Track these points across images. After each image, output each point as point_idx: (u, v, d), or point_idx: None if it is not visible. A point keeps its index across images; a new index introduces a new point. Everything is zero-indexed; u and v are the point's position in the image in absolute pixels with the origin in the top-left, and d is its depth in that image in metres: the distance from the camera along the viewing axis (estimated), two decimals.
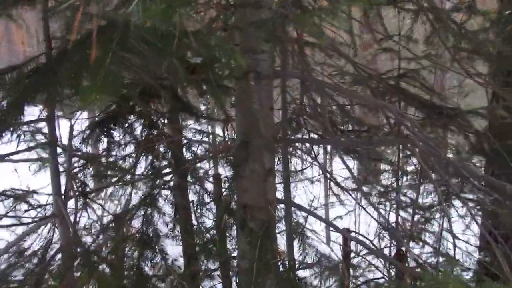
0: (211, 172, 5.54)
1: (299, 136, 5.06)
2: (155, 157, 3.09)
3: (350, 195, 4.50)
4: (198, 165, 4.96)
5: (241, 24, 2.24)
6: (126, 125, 2.76)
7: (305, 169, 4.71)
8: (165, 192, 3.94)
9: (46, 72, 1.42)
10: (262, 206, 2.52)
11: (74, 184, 2.65)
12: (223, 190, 3.82)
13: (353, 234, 4.99)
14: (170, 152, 4.08)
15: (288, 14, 2.01)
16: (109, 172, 2.94)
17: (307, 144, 5.31)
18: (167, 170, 4.13)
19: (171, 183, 4.11)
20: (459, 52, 2.93)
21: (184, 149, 5.06)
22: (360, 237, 4.86)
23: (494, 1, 4.50)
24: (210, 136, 5.61)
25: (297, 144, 5.43)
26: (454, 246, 2.84)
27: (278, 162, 3.45)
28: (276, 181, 3.36)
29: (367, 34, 5.95)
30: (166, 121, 3.40)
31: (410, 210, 4.56)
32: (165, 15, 1.20)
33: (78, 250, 2.49)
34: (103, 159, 2.91)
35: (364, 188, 4.83)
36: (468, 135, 3.34)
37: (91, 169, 2.76)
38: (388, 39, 3.67)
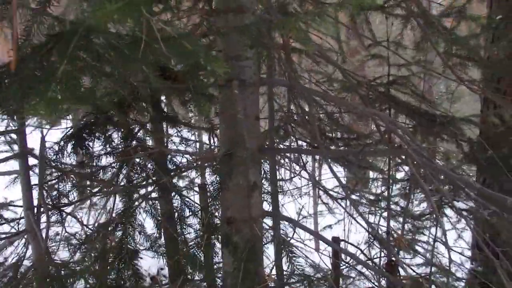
0: (198, 181, 5.41)
1: (287, 144, 4.97)
2: (131, 169, 2.94)
3: (339, 204, 4.41)
4: (184, 174, 4.82)
5: (223, 30, 2.11)
6: (103, 136, 2.61)
7: (293, 177, 4.58)
8: (145, 203, 3.78)
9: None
10: (247, 220, 2.38)
11: (48, 197, 2.48)
12: (209, 200, 3.68)
13: (343, 244, 4.90)
14: (152, 162, 3.94)
15: (272, 19, 1.89)
16: (88, 184, 2.78)
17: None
18: (150, 180, 4.00)
19: (154, 194, 3.96)
20: (451, 58, 2.84)
21: (168, 158, 4.93)
22: (350, 247, 4.77)
23: (482, 7, 4.45)
24: (197, 144, 5.47)
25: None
26: (450, 258, 2.74)
27: (265, 173, 3.32)
28: (264, 191, 3.23)
29: (354, 40, 5.89)
30: (147, 131, 3.26)
31: (401, 219, 4.47)
32: (123, 14, 1.06)
33: (50, 268, 2.33)
34: (81, 171, 2.76)
35: (353, 197, 4.73)
36: (460, 144, 3.25)
37: (67, 181, 2.60)
38: (376, 45, 3.58)
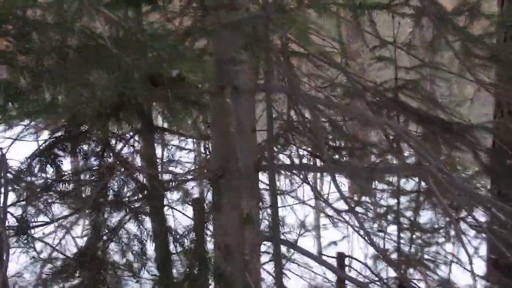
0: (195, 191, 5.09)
1: (288, 153, 4.67)
2: (103, 187, 2.63)
3: (343, 219, 4.10)
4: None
5: (212, 27, 1.83)
6: (78, 152, 2.32)
7: (294, 190, 4.28)
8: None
9: None
10: (242, 247, 2.08)
11: (10, 218, 2.18)
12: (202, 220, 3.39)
13: (348, 260, 4.60)
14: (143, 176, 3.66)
15: (268, 16, 1.60)
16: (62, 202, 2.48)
17: (296, 160, 4.91)
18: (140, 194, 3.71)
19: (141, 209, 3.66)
20: (470, 58, 2.56)
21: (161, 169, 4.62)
22: (357, 262, 4.47)
23: (491, 5, 4.19)
24: (193, 154, 5.16)
25: (284, 157, 5.04)
26: (474, 276, 2.44)
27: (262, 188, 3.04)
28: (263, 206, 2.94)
29: (356, 42, 5.62)
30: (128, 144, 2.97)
31: (410, 234, 4.17)
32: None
33: None
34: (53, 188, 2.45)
35: (359, 209, 4.44)
36: (477, 153, 2.96)
37: (36, 202, 2.30)
38: (383, 46, 3.30)
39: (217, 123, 2.06)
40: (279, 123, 4.07)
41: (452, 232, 3.79)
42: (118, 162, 2.47)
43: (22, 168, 2.24)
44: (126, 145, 3.49)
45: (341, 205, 4.62)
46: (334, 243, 4.52)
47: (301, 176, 4.11)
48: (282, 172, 4.71)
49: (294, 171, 4.66)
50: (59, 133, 2.24)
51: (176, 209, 3.93)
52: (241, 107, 2.02)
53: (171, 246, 3.88)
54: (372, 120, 2.48)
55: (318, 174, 5.13)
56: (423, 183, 3.55)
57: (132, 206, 3.46)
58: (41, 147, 2.08)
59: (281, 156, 4.70)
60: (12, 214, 2.22)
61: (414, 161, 3.83)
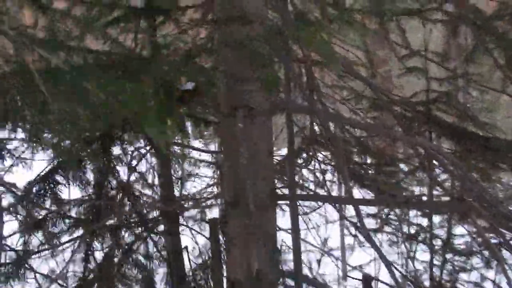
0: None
1: (311, 167, 4.42)
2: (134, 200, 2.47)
3: (369, 242, 3.80)
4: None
5: (220, 43, 1.63)
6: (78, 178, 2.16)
7: (317, 209, 4.04)
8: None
9: None
10: (256, 285, 1.85)
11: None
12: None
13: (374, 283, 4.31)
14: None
15: (285, 30, 1.40)
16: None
17: (319, 175, 4.66)
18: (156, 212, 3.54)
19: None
20: None
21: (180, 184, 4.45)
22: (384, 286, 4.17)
23: None
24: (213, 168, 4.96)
25: (307, 172, 4.79)
26: None
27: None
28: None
29: (383, 49, 5.35)
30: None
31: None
32: None
33: None
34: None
35: (387, 229, 4.15)
36: None
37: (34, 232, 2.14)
38: (413, 56, 3.04)
39: (229, 147, 1.86)
40: (301, 137, 3.84)
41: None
42: (122, 189, 2.29)
43: (22, 194, 2.09)
44: (142, 160, 3.34)
45: (368, 223, 4.36)
46: (360, 266, 4.24)
47: (325, 189, 3.87)
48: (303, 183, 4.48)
49: (315, 177, 4.43)
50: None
51: (192, 229, 3.76)
52: (255, 129, 1.81)
53: (186, 266, 3.72)
54: (402, 139, 2.23)
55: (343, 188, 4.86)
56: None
57: (148, 225, 3.31)
58: (41, 174, 1.92)
59: (304, 171, 4.49)
60: (8, 246, 2.08)
61: (446, 179, 3.54)
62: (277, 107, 2.01)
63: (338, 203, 2.74)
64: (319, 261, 4.66)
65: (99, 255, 2.48)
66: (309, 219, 4.43)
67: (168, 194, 3.15)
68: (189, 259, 3.77)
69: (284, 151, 3.78)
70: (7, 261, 1.98)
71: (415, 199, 2.45)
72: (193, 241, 3.79)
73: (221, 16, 1.79)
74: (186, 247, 3.78)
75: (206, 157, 4.54)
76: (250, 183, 1.60)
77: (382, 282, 4.16)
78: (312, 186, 4.51)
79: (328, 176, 4.28)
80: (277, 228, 3.77)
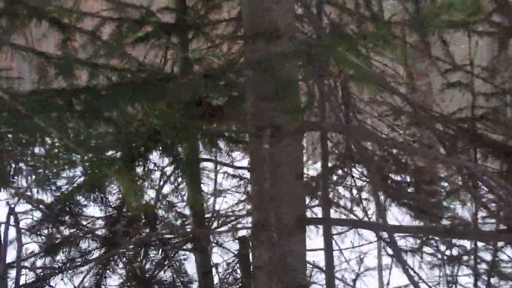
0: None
1: (347, 184, 4.26)
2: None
3: (399, 261, 3.59)
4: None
5: (248, 60, 1.55)
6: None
7: (351, 228, 3.87)
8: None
9: None
10: None
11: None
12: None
13: None
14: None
15: (315, 47, 1.30)
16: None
17: (355, 192, 4.49)
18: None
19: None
20: None
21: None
22: None
23: None
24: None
25: (343, 189, 4.63)
26: None
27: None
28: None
29: (423, 63, 5.13)
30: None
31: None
32: None
33: None
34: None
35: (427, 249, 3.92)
36: None
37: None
38: (457, 69, 2.86)
39: (255, 168, 1.76)
40: (336, 154, 3.71)
41: None
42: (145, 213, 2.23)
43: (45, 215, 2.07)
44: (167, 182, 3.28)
45: (406, 242, 4.13)
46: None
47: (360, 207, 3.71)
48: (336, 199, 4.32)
49: (350, 194, 4.26)
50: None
51: (223, 247, 3.67)
52: (282, 150, 1.70)
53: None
54: (444, 160, 2.07)
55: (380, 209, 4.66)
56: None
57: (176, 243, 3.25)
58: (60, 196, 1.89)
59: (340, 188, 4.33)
60: (28, 267, 2.06)
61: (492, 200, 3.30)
62: (308, 126, 1.90)
63: (372, 230, 2.58)
64: (354, 281, 4.48)
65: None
66: (345, 235, 4.25)
67: (197, 212, 3.09)
68: (219, 278, 3.68)
69: (319, 166, 3.66)
70: (27, 281, 1.96)
71: (458, 226, 2.24)
72: (223, 259, 3.70)
73: (248, 31, 1.72)
74: (216, 265, 3.70)
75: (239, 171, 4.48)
76: (273, 209, 1.50)
77: None
78: (348, 203, 4.35)
79: (365, 194, 4.11)
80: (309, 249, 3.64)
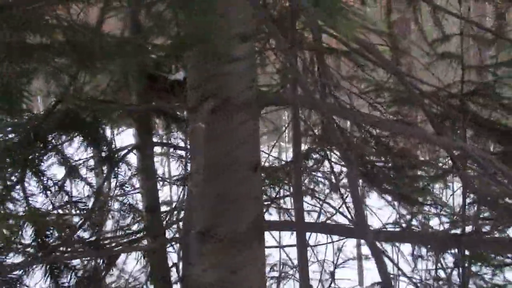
0: None
1: (322, 170, 3.92)
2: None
3: (388, 258, 3.26)
4: None
5: None
6: None
7: (330, 217, 3.54)
8: None
9: None
10: None
11: None
12: None
13: None
14: None
15: None
16: None
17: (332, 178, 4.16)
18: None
19: None
20: None
21: None
22: None
23: None
24: None
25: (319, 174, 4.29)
26: None
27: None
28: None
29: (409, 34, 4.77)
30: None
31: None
32: None
33: None
34: None
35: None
36: None
37: None
38: (446, 40, 2.52)
39: (194, 156, 1.36)
40: (310, 136, 3.35)
41: None
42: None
43: None
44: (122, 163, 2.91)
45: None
46: (378, 284, 3.70)
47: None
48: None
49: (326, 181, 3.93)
50: None
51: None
52: (233, 131, 1.30)
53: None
54: (438, 141, 1.72)
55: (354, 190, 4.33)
56: None
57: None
58: None
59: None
60: None
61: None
62: (265, 98, 1.49)
63: (353, 237, 2.23)
64: (332, 273, 4.18)
65: None
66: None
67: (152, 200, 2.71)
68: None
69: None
70: None
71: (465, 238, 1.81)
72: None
73: None
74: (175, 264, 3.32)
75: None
76: (220, 213, 1.12)
77: None
78: (325, 191, 4.01)
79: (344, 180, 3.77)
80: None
